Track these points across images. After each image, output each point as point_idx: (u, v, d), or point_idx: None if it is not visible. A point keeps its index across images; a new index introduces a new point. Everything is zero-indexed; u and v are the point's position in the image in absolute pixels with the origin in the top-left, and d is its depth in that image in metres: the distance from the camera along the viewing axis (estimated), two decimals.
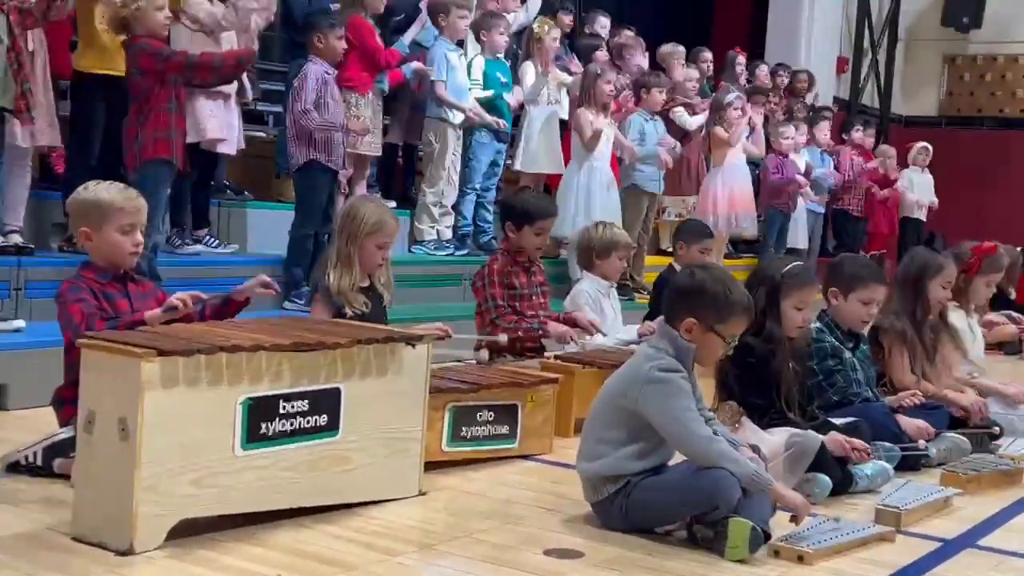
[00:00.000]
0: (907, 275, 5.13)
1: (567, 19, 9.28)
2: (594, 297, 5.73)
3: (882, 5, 14.68)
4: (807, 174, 10.29)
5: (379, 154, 7.66)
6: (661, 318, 3.66)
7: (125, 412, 2.95)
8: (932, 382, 4.95)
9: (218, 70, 5.59)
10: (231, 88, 6.44)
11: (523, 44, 8.62)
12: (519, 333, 5.27)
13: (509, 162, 8.59)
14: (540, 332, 5.31)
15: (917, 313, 5.01)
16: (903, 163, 12.45)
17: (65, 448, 3.54)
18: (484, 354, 5.18)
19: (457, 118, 7.81)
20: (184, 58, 5.43)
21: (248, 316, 3.92)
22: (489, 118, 7.90)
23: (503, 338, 5.15)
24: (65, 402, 3.65)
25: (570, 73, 8.76)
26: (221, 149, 6.58)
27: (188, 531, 3.09)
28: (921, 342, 4.99)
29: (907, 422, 4.49)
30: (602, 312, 5.70)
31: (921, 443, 4.44)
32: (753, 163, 10.26)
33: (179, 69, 5.36)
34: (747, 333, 4.05)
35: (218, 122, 6.39)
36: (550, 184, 8.65)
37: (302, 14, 7.27)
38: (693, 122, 9.59)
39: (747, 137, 10.02)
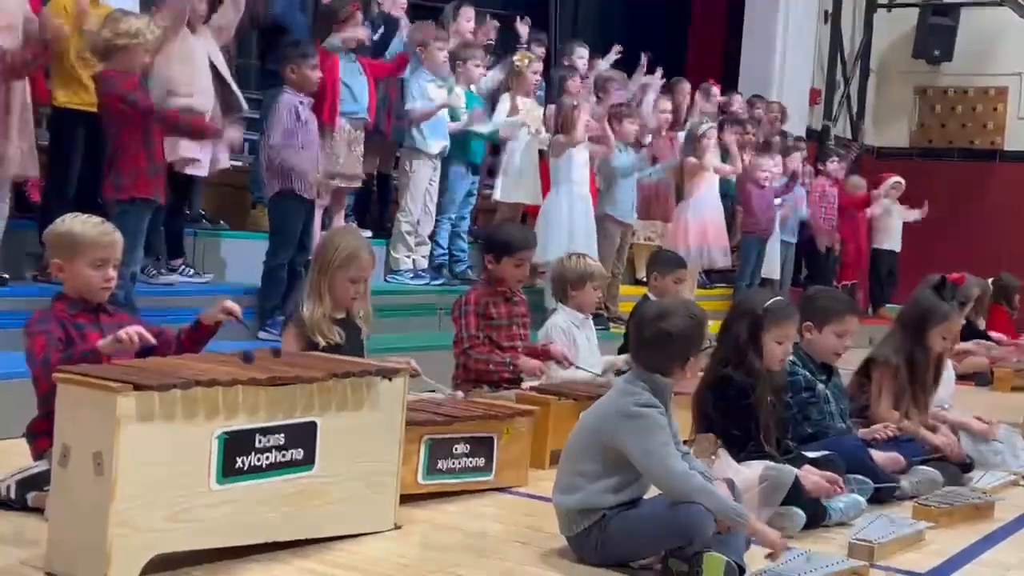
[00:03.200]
0: (910, 317, 5.12)
1: (539, 51, 9.33)
2: (567, 330, 5.72)
3: (854, 37, 14.82)
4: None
5: (358, 185, 7.66)
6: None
7: (100, 446, 2.94)
8: (913, 422, 4.97)
9: (179, 130, 5.65)
10: (206, 107, 6.44)
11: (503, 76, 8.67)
12: (490, 365, 5.27)
13: (488, 191, 8.63)
14: (512, 367, 5.32)
15: (916, 357, 5.01)
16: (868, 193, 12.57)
17: (39, 481, 3.51)
18: (460, 394, 5.11)
19: (433, 148, 7.84)
20: (150, 108, 5.42)
21: (224, 347, 3.91)
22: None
23: (460, 395, 5.06)
24: (39, 435, 3.63)
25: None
26: (192, 171, 6.53)
27: (163, 566, 3.07)
28: (912, 385, 4.99)
29: (879, 455, 4.52)
30: (576, 345, 5.70)
31: (898, 490, 4.47)
32: (726, 195, 10.33)
33: (143, 117, 5.37)
34: (728, 366, 4.10)
35: (191, 143, 6.38)
36: (528, 212, 8.69)
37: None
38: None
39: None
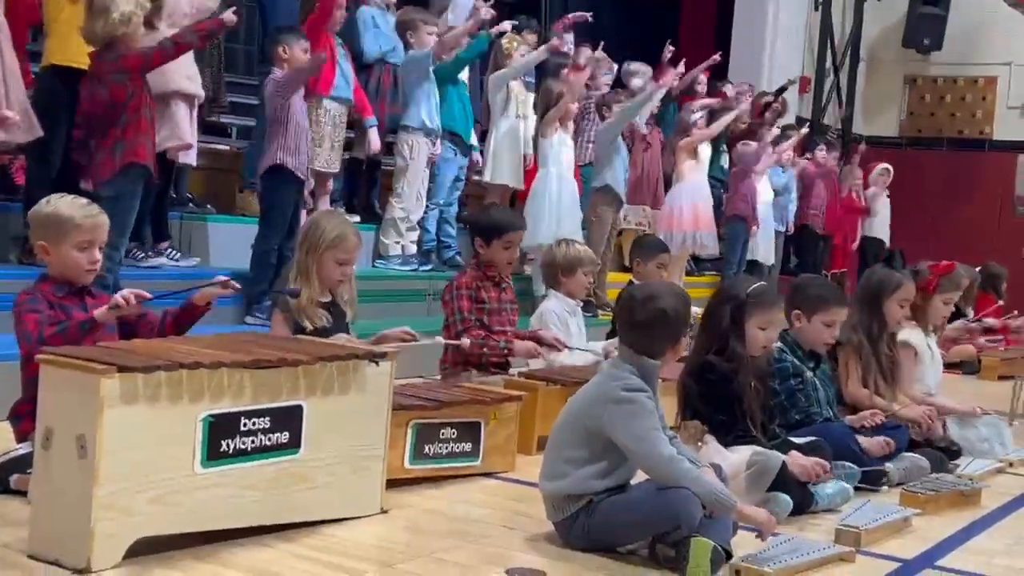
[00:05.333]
0: (865, 292, 5.19)
1: (531, 37, 9.31)
2: (560, 316, 5.72)
3: (844, 26, 14.82)
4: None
5: (336, 170, 7.61)
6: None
7: (83, 429, 2.92)
8: (885, 399, 4.99)
9: (191, 42, 5.53)
10: (195, 89, 6.38)
11: (491, 59, 8.66)
12: (484, 348, 5.25)
13: (477, 177, 8.62)
14: (506, 351, 5.30)
15: (874, 330, 5.06)
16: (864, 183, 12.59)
17: (22, 464, 3.49)
18: (466, 341, 5.12)
19: (429, 124, 7.80)
20: (139, 56, 5.35)
21: (210, 331, 3.89)
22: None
23: (465, 342, 5.11)
24: (23, 417, 3.61)
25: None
26: (184, 159, 6.51)
27: (146, 549, 3.05)
28: (876, 358, 5.03)
29: (867, 440, 4.52)
30: (568, 331, 5.69)
31: (885, 476, 4.47)
32: (719, 180, 10.33)
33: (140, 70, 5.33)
34: (711, 352, 4.10)
35: (190, 128, 6.34)
36: (518, 199, 8.68)
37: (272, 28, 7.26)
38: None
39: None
